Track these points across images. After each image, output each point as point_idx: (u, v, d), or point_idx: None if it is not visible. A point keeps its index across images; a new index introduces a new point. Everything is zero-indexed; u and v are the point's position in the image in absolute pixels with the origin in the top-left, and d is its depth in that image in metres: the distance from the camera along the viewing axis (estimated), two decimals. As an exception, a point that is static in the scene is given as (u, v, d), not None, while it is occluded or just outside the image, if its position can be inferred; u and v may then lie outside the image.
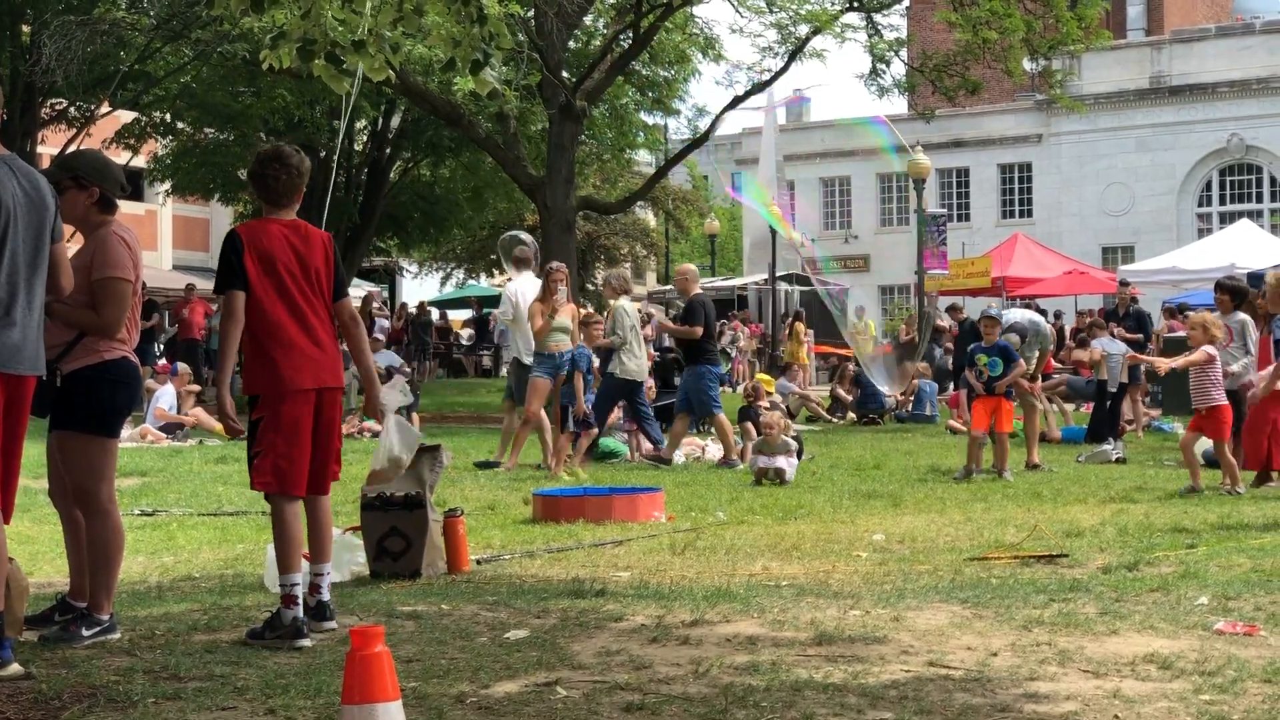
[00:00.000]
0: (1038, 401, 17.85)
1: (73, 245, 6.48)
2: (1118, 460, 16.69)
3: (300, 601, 6.48)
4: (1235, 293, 14.44)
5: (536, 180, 28.30)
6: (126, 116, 35.49)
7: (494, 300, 52.16)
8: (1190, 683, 5.37)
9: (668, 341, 25.52)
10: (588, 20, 32.28)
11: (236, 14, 9.42)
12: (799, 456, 16.16)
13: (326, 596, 6.81)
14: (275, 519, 6.73)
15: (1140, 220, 52.38)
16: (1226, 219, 48.48)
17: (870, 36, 31.12)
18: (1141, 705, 5.06)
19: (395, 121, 35.57)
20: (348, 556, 8.99)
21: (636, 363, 16.80)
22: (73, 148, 27.49)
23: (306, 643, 6.33)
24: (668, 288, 56.37)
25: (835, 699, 5.18)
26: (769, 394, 20.81)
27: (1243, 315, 14.28)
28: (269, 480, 6.66)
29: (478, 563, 9.27)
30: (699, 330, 16.55)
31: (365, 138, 37.09)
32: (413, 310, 43.57)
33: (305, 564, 6.86)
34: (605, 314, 17.33)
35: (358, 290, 46.41)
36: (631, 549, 9.98)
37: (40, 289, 5.92)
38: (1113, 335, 20.83)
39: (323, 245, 6.82)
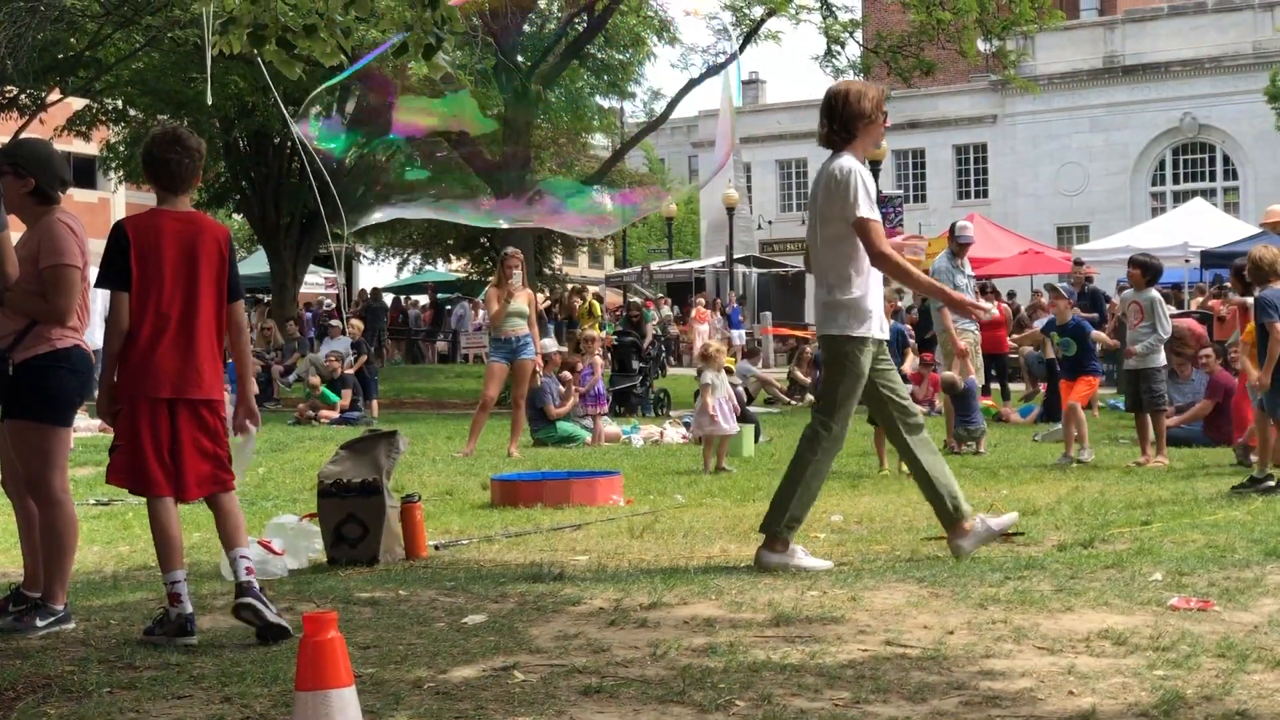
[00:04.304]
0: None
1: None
2: (1074, 438, 16.75)
3: (183, 598, 6.19)
4: (1148, 269, 14.27)
5: (492, 164, 28.19)
6: (78, 103, 35.20)
7: (451, 285, 52.22)
8: (1145, 658, 5.40)
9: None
10: (542, 4, 32.18)
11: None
12: (757, 435, 16.18)
13: (243, 577, 6.27)
14: (149, 516, 6.45)
15: (1095, 200, 52.68)
16: (1180, 198, 48.83)
17: (825, 18, 31.19)
18: (1096, 681, 5.08)
19: (350, 107, 35.37)
20: (305, 544, 8.97)
21: None
22: (24, 136, 27.27)
23: (192, 640, 6.08)
24: (626, 270, 56.42)
25: (793, 679, 5.19)
26: (730, 372, 20.86)
27: (1154, 293, 14.09)
28: (120, 477, 6.40)
29: (435, 548, 9.25)
30: None
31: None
32: (367, 295, 43.58)
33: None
34: None
35: (314, 277, 46.31)
36: (589, 533, 9.98)
37: (-15, 279, 5.87)
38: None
39: (217, 242, 6.42)
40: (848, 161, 7.91)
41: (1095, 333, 15.21)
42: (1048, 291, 15.68)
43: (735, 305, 43.94)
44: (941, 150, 57.36)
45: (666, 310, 41.31)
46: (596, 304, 33.62)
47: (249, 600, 6.18)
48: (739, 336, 38.04)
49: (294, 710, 4.29)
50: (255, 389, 6.64)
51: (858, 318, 7.92)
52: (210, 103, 12.11)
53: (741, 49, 30.45)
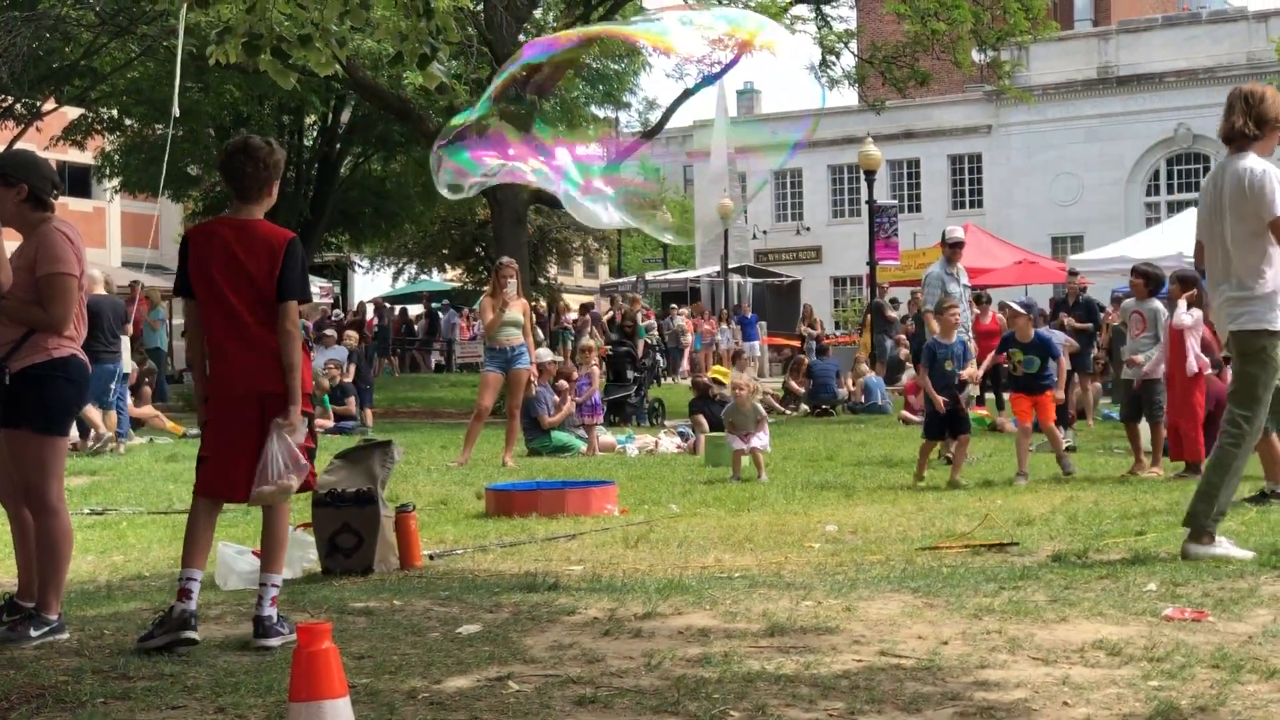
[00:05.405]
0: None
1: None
2: (1068, 449, 16.76)
3: (193, 596, 6.24)
4: (1151, 279, 14.15)
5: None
6: (73, 113, 35.20)
7: (445, 295, 52.20)
8: (1139, 669, 5.40)
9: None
10: (537, 13, 32.22)
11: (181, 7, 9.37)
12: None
13: (266, 611, 6.36)
14: (189, 511, 6.58)
15: (1089, 210, 52.70)
16: (1174, 208, 48.83)
17: (820, 28, 31.24)
18: (1090, 692, 5.08)
19: (345, 116, 35.46)
20: (299, 553, 8.96)
21: None
22: (19, 145, 27.27)
23: (193, 635, 6.10)
24: (620, 280, 56.43)
25: (787, 690, 5.19)
26: (723, 385, 20.83)
27: (1156, 303, 13.98)
28: (199, 484, 6.53)
29: (430, 558, 9.25)
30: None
31: (315, 133, 36.92)
32: (370, 307, 43.67)
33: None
34: None
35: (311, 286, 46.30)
36: (584, 542, 9.98)
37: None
38: (1063, 325, 20.86)
39: (269, 248, 6.48)
40: (1260, 162, 8.32)
41: (1067, 340, 15.17)
42: (1003, 310, 15.72)
43: (752, 314, 43.47)
44: (936, 160, 57.38)
45: (680, 320, 40.76)
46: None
47: (264, 643, 6.24)
48: (754, 348, 37.81)
49: (288, 721, 4.29)
50: (298, 392, 6.71)
51: (1275, 309, 8.22)
52: (177, 115, 12.09)
53: (737, 58, 30.39)
